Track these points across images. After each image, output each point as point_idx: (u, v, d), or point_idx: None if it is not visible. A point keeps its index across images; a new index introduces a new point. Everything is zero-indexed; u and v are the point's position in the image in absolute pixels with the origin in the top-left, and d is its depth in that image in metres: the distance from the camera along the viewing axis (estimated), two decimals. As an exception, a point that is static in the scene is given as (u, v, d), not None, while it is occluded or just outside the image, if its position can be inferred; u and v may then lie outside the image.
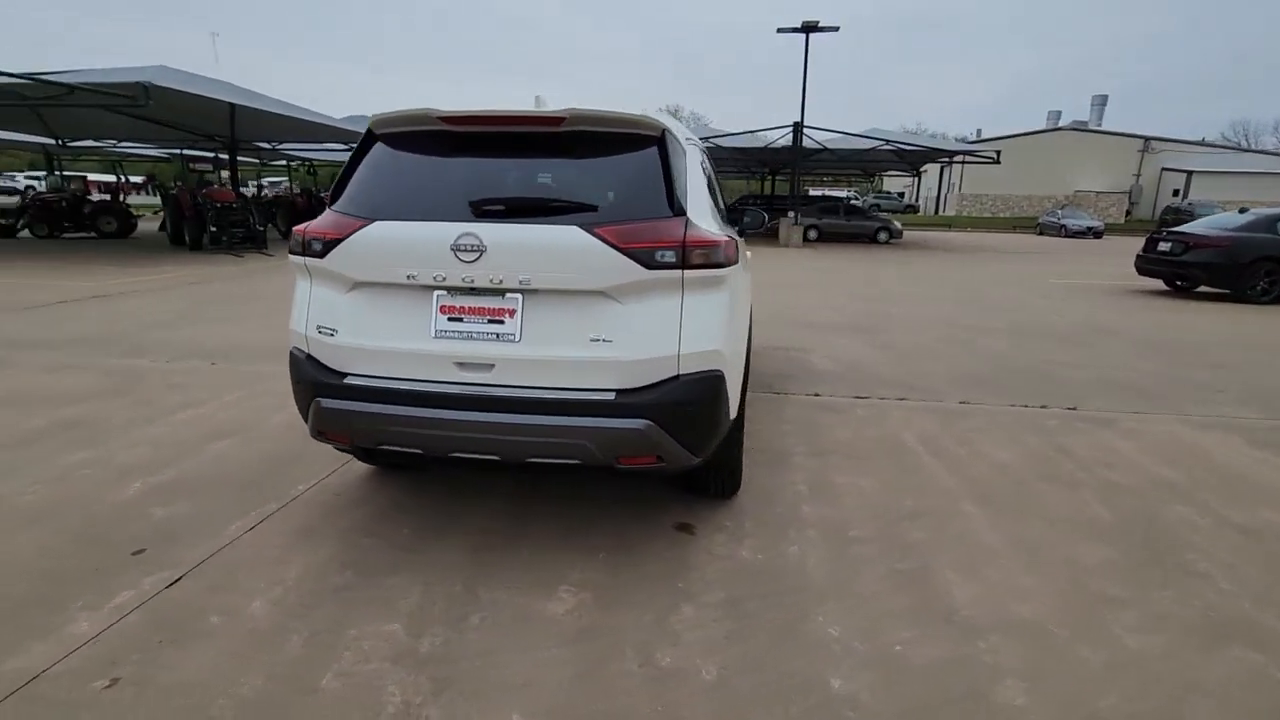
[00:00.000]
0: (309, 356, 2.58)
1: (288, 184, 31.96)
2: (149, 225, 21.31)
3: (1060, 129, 45.62)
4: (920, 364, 5.98)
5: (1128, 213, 41.05)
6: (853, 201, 45.79)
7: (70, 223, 18.77)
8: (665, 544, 2.81)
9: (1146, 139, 41.94)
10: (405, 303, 2.43)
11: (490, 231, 2.30)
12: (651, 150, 2.49)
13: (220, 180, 19.86)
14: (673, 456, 2.41)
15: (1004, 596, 2.47)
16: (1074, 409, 4.74)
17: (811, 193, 44.74)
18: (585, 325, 2.33)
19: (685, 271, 2.34)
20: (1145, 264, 11.42)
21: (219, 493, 3.17)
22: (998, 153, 22.18)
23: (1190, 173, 39.41)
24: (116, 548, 2.69)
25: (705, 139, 22.83)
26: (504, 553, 2.72)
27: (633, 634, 2.23)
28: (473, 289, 2.35)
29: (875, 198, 48.56)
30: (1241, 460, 3.83)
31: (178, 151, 23.99)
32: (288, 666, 2.05)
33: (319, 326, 2.52)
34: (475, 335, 2.38)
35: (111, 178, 32.40)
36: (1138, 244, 12.40)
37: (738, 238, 3.52)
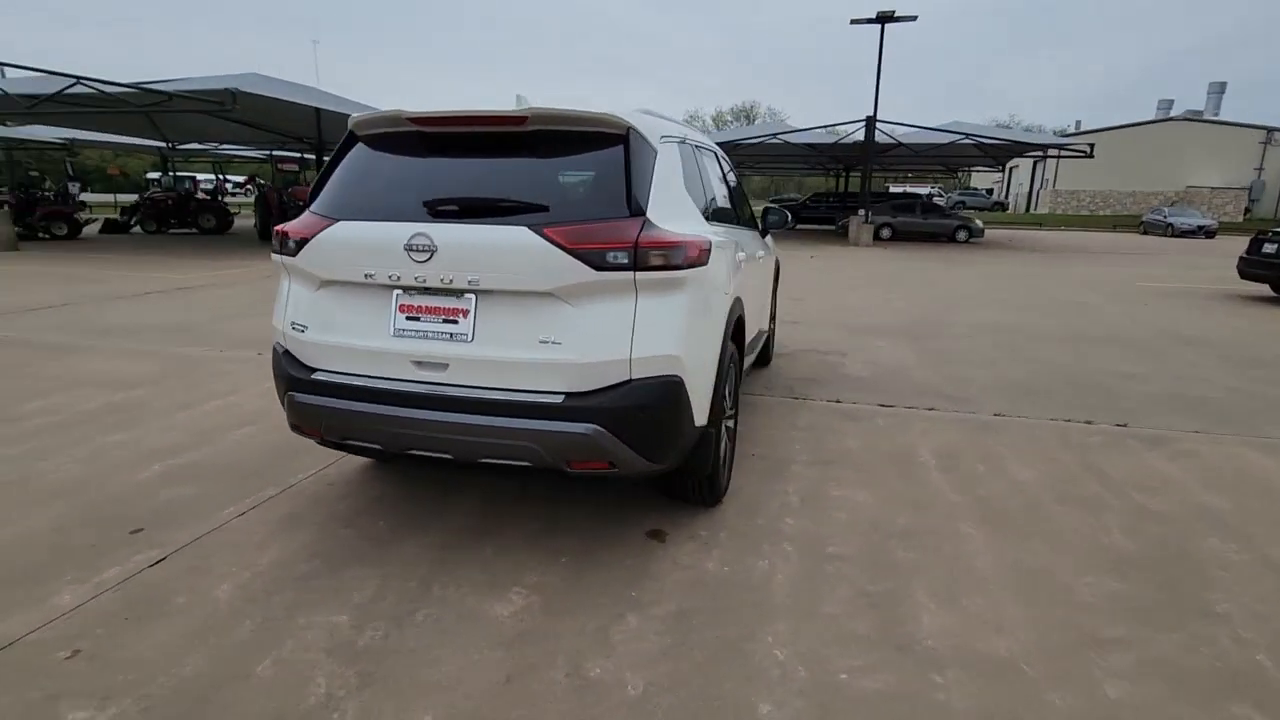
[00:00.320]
0: (285, 352, 2.67)
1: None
2: (246, 222, 22.79)
3: (1172, 119, 42.19)
4: (964, 371, 5.65)
5: (1246, 210, 37.51)
6: (935, 199, 44.00)
7: (175, 219, 20.40)
8: (632, 550, 2.76)
9: (1270, 130, 38.15)
10: (367, 301, 2.48)
11: (441, 232, 2.31)
12: (614, 149, 2.43)
13: (305, 180, 21.06)
14: (625, 463, 2.36)
15: (978, 628, 2.29)
16: (1125, 425, 4.35)
17: (892, 189, 43.29)
18: (536, 327, 2.31)
19: (638, 273, 2.27)
20: (1248, 267, 10.39)
21: (225, 478, 3.34)
22: (1090, 146, 20.68)
23: (1324, 166, 35.63)
24: (118, 526, 2.87)
25: (774, 135, 22.47)
26: (470, 551, 2.73)
27: (570, 641, 2.20)
28: (427, 289, 2.37)
29: (960, 194, 46.35)
30: (1308, 491, 3.41)
31: (269, 153, 25.61)
32: (232, 650, 2.13)
33: (293, 323, 2.61)
34: (431, 335, 2.40)
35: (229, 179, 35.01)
36: (1249, 245, 11.28)
37: (736, 235, 3.42)
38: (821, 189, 37.06)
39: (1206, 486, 3.43)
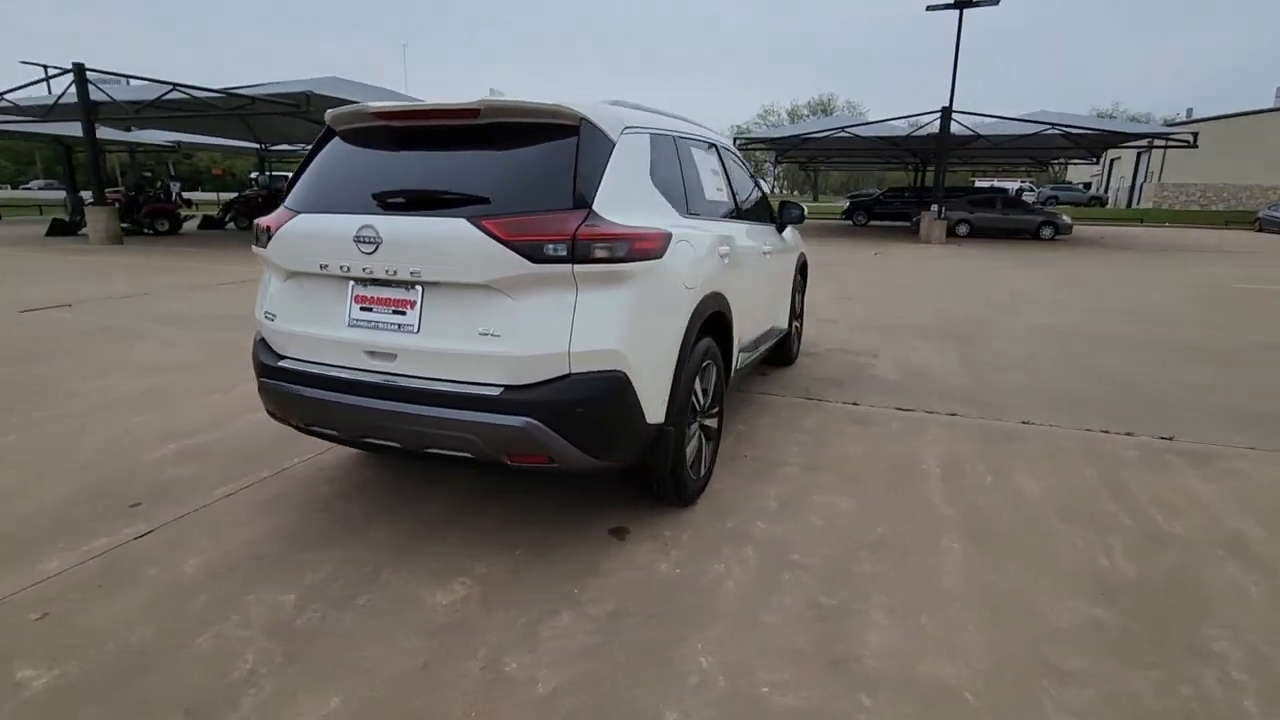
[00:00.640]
0: (261, 340, 2.79)
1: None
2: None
3: (1298, 106, 38.24)
4: (1002, 377, 5.31)
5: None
6: (1024, 193, 41.62)
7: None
8: (589, 547, 2.73)
9: None
10: (326, 292, 2.55)
11: (386, 224, 2.35)
12: (565, 141, 2.41)
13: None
14: (565, 458, 2.33)
15: (927, 650, 2.14)
16: (1170, 439, 3.98)
17: (978, 184, 41.24)
18: (476, 319, 2.31)
19: (576, 266, 2.24)
20: (1367, 268, 9.29)
21: (228, 459, 3.52)
22: (1194, 135, 19.00)
23: None
24: (120, 500, 3.07)
25: (842, 128, 21.79)
26: (432, 539, 2.77)
27: (497, 635, 2.19)
28: (376, 280, 2.42)
29: (1052, 189, 43.65)
30: (1368, 520, 3.02)
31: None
32: (179, 622, 2.24)
33: (266, 312, 2.72)
34: (381, 325, 2.44)
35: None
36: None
37: (726, 229, 3.33)
38: (903, 184, 35.64)
39: (1243, 510, 3.09)
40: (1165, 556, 2.70)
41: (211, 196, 36.73)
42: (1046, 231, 21.60)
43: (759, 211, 4.39)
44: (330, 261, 2.45)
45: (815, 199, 65.84)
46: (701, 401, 3.01)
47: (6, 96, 16.46)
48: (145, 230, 18.81)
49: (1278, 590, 2.46)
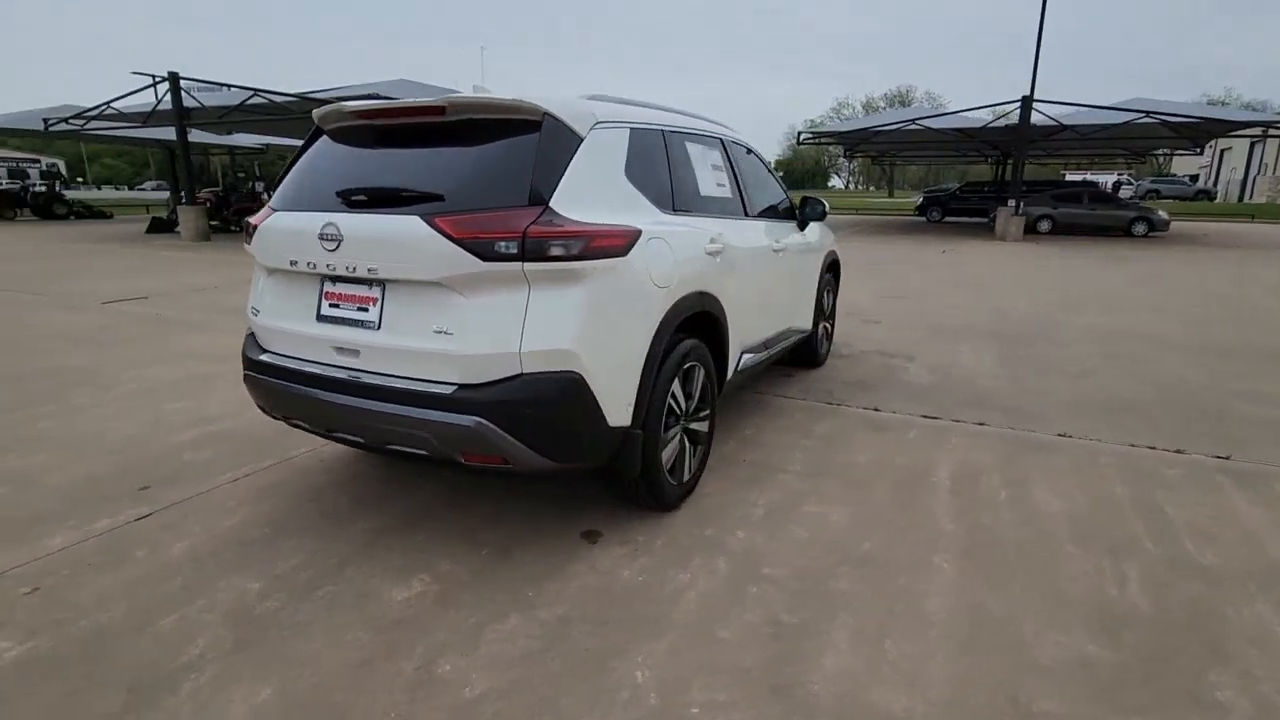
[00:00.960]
0: (250, 334, 2.88)
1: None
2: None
3: None
4: (1048, 382, 4.94)
5: None
6: (1121, 186, 38.88)
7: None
8: (557, 549, 2.69)
9: None
10: (301, 288, 2.60)
11: (347, 221, 2.37)
12: (527, 137, 2.36)
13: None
14: (518, 459, 2.30)
15: (884, 679, 1.99)
16: (1225, 458, 3.60)
17: (1068, 177, 38.81)
18: (432, 317, 2.30)
19: (527, 264, 2.19)
20: None
21: (239, 446, 3.67)
22: (1312, 122, 17.20)
23: None
24: (134, 482, 3.25)
25: (912, 120, 20.91)
26: (406, 534, 2.80)
27: (440, 634, 2.18)
28: (341, 277, 2.45)
29: (1153, 182, 40.62)
30: None
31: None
32: (150, 602, 2.33)
33: (252, 306, 2.81)
34: (346, 321, 2.47)
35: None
36: None
37: (719, 227, 3.22)
38: (986, 178, 33.89)
39: (1293, 540, 2.75)
40: (1187, 589, 2.43)
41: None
42: (1139, 228, 20.10)
43: (775, 208, 4.23)
44: (299, 258, 2.49)
45: (891, 194, 63.61)
46: (683, 405, 2.91)
47: (113, 105, 17.89)
48: (232, 228, 20.05)
49: (1313, 635, 2.17)
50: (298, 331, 2.59)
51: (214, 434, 3.84)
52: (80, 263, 12.07)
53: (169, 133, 19.51)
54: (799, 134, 25.42)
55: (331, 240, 2.38)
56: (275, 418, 2.83)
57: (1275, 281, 10.61)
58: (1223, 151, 42.19)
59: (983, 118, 20.93)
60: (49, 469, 3.38)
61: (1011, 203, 18.60)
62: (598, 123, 2.57)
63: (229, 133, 24.30)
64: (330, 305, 2.51)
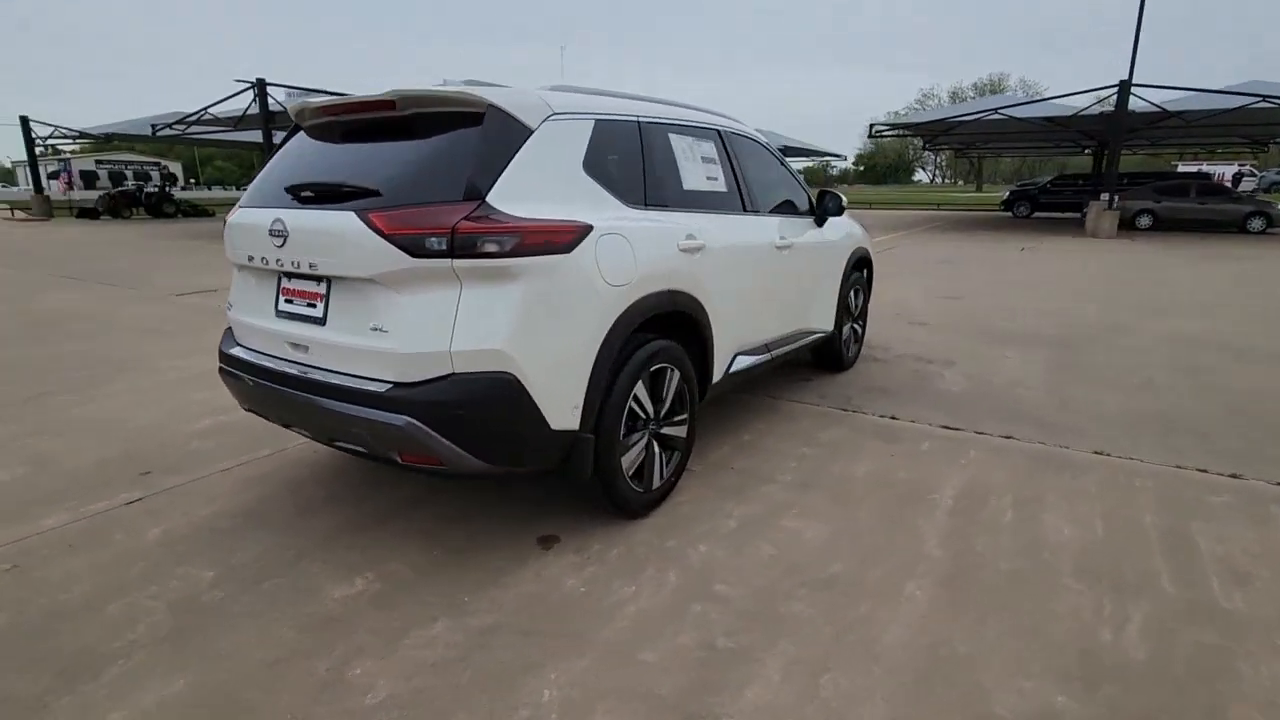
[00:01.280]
0: (228, 328, 2.95)
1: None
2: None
3: None
4: (1095, 394, 4.50)
5: None
6: (1243, 178, 35.50)
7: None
8: (509, 554, 2.62)
9: None
10: (263, 283, 2.64)
11: (292, 217, 2.37)
12: (470, 130, 2.30)
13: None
14: (451, 460, 2.24)
15: (816, 715, 1.81)
16: (1289, 485, 3.15)
17: (1180, 168, 35.76)
18: (369, 314, 2.27)
19: (456, 261, 2.13)
20: None
21: (243, 436, 3.79)
22: None
23: None
24: (138, 467, 3.40)
25: (994, 110, 19.69)
26: (365, 532, 2.79)
27: (364, 636, 2.15)
28: (293, 272, 2.46)
29: (1278, 174, 36.84)
30: None
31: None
32: (106, 587, 2.41)
33: (228, 301, 2.87)
34: (298, 317, 2.48)
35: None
36: None
37: (699, 223, 3.07)
38: (1086, 170, 31.58)
39: (1348, 588, 2.35)
40: (1197, 636, 2.11)
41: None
42: (1256, 224, 18.27)
43: (784, 202, 4.02)
44: (254, 253, 2.52)
45: (979, 189, 60.37)
46: (649, 408, 2.78)
47: (210, 110, 19.20)
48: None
49: (1341, 704, 1.84)
50: (262, 326, 2.62)
51: (224, 424, 3.99)
52: (174, 259, 12.98)
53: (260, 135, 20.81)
54: (871, 126, 24.44)
55: (279, 236, 2.39)
56: (246, 410, 2.89)
57: None
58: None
59: (1075, 105, 19.49)
60: (69, 452, 3.59)
61: (1105, 196, 17.25)
62: (552, 114, 2.48)
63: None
64: (286, 300, 2.53)
